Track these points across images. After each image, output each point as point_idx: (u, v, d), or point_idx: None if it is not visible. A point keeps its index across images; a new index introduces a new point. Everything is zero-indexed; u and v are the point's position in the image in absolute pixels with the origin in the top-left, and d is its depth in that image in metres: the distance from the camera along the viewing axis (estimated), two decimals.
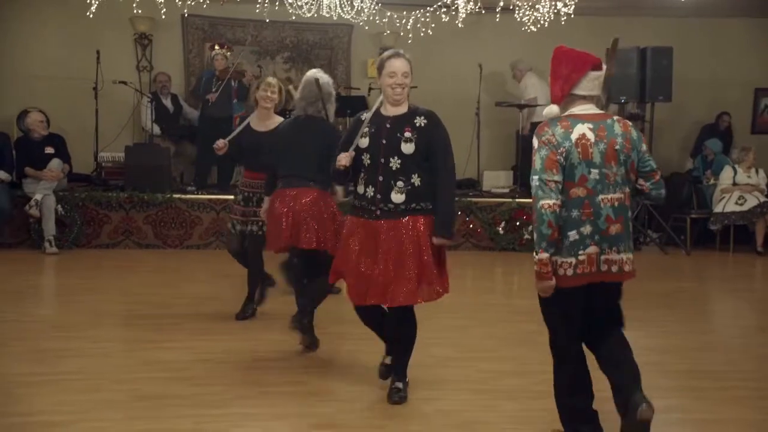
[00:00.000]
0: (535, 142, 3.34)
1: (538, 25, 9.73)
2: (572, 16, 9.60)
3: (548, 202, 3.29)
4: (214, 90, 9.44)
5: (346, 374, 4.54)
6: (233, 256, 5.90)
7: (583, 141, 3.28)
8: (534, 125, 9.92)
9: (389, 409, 4.00)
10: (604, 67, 3.42)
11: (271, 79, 5.69)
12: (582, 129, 3.30)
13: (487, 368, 4.75)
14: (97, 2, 8.94)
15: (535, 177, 3.31)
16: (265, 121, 5.58)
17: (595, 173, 3.29)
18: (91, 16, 8.99)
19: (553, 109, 3.39)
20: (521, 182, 9.86)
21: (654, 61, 9.56)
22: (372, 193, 3.96)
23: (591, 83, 3.35)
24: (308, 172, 4.82)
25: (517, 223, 9.38)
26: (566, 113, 3.37)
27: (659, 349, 5.37)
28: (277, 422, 3.83)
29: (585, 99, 3.37)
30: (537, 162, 3.31)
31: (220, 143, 5.46)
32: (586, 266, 3.42)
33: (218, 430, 3.69)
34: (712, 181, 10.30)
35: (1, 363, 4.60)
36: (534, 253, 3.46)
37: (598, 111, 3.39)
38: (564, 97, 3.35)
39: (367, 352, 4.65)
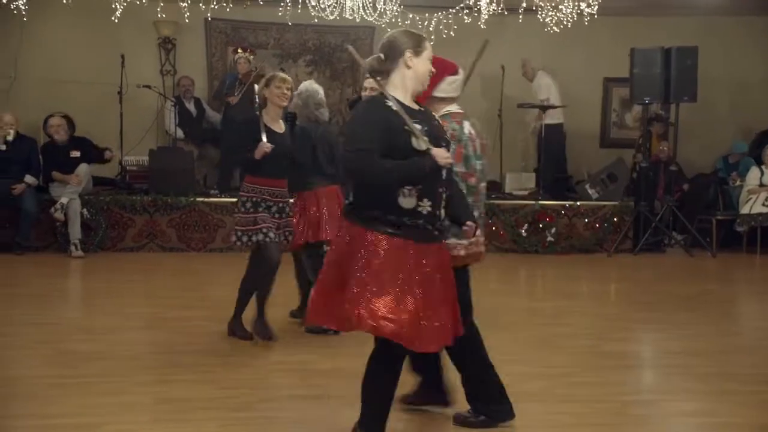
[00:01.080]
0: None
1: (561, 26, 9.69)
2: (596, 16, 9.53)
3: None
4: (236, 93, 9.47)
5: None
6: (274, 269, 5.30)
7: (472, 136, 3.66)
8: (548, 127, 9.88)
9: (411, 413, 3.99)
10: (461, 72, 3.74)
11: (284, 75, 5.31)
12: (467, 126, 3.67)
13: (511, 371, 4.69)
14: (121, 7, 9.03)
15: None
16: (279, 120, 5.29)
17: (479, 164, 3.69)
18: (115, 20, 9.08)
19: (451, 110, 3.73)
20: (543, 184, 9.82)
21: (678, 61, 9.46)
22: (429, 209, 3.17)
23: (449, 87, 3.69)
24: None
25: (540, 225, 9.33)
26: (446, 112, 3.67)
27: (685, 351, 5.32)
28: (301, 426, 3.83)
29: (445, 101, 3.70)
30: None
31: (267, 146, 5.00)
32: (473, 247, 3.70)
33: None
34: (738, 183, 10.19)
35: (28, 365, 4.66)
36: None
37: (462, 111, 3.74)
38: (426, 99, 3.52)
39: None
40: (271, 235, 5.08)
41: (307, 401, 4.15)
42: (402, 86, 3.23)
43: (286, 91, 5.16)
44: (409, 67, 3.21)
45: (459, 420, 3.84)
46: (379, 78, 3.27)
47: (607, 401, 4.23)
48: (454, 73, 3.72)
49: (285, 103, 5.24)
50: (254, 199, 5.12)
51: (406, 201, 3.11)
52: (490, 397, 3.81)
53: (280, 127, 5.26)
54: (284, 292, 5.70)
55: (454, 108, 3.72)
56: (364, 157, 3.06)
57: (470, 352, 3.78)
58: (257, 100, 5.24)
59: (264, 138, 5.01)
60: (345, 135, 3.24)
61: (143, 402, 4.05)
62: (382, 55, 3.24)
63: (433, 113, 3.45)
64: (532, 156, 10.70)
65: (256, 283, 5.20)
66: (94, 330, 5.53)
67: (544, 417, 4.00)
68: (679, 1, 10.51)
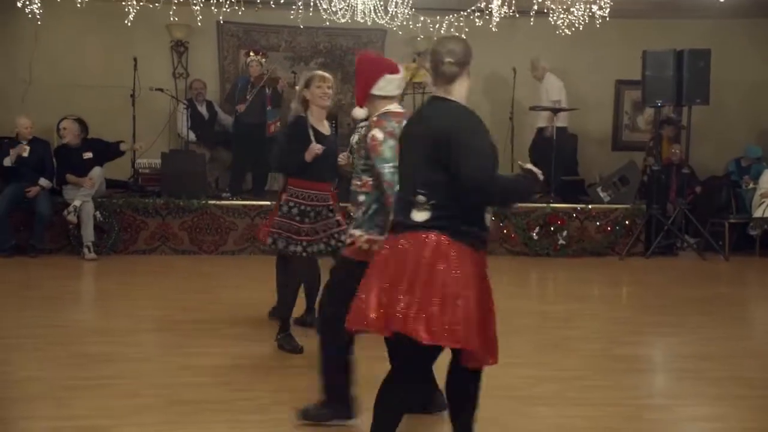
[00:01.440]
0: (380, 134, 3.58)
1: (573, 29, 9.67)
2: (607, 18, 9.51)
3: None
4: (248, 97, 9.50)
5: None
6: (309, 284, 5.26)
7: None
8: (559, 129, 9.85)
9: (424, 417, 3.99)
10: (402, 70, 3.83)
11: (324, 73, 5.03)
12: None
13: (523, 374, 4.72)
14: (134, 11, 9.09)
15: (388, 165, 3.51)
16: (323, 120, 5.11)
17: None
18: (128, 24, 9.13)
19: (358, 111, 3.85)
20: (554, 186, 9.80)
21: (691, 63, 9.42)
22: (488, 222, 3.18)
23: (388, 85, 3.71)
24: None
25: (552, 228, 9.31)
26: (385, 110, 3.69)
27: (697, 355, 5.30)
28: (313, 429, 3.84)
29: (384, 99, 3.72)
30: (387, 152, 3.54)
31: (319, 148, 4.90)
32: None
33: None
34: (751, 186, 10.14)
35: (43, 367, 4.68)
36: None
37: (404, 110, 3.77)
38: (365, 98, 3.69)
39: None
40: (310, 249, 4.98)
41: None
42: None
43: (327, 90, 4.93)
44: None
45: (302, 410, 3.81)
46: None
47: (620, 405, 4.23)
48: (394, 71, 3.75)
49: (327, 103, 5.00)
50: (301, 206, 5.00)
51: (488, 218, 3.10)
52: (336, 395, 3.76)
53: (325, 127, 5.12)
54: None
55: (393, 107, 3.73)
56: (491, 174, 2.95)
57: (336, 347, 3.72)
58: (294, 99, 5.13)
59: (312, 140, 4.93)
60: (467, 147, 2.92)
61: (155, 404, 4.07)
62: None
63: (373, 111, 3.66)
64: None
65: (293, 292, 5.12)
66: (106, 332, 5.56)
67: (555, 421, 4.00)
68: (692, 4, 10.47)
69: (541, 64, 10.22)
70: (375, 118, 3.67)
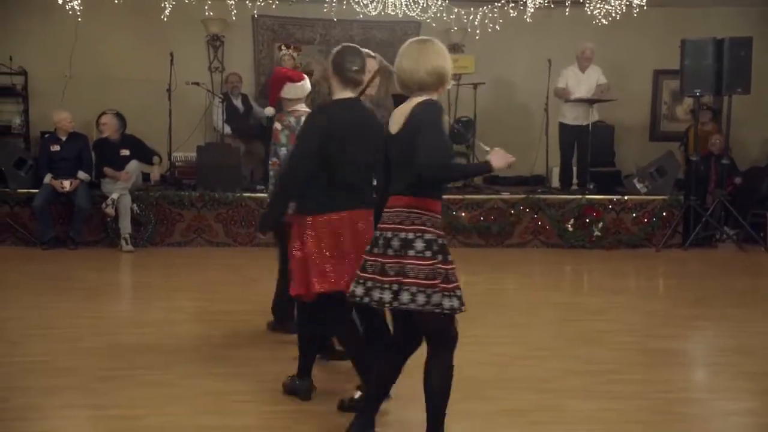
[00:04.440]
0: (279, 126, 4.84)
1: (610, 18, 9.54)
2: (645, 7, 9.37)
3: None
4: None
5: (408, 376, 4.54)
6: None
7: None
8: (598, 123, 9.70)
9: (450, 410, 3.99)
10: (306, 80, 4.96)
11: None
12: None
13: (553, 367, 4.69)
14: (170, 6, 9.18)
15: (283, 148, 4.71)
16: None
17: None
18: (165, 19, 9.23)
19: (270, 109, 5.41)
20: (590, 177, 9.70)
21: (731, 52, 9.21)
22: None
23: (291, 90, 4.88)
24: None
25: (587, 220, 9.22)
26: (292, 109, 4.88)
27: (734, 349, 5.22)
28: (340, 418, 3.86)
29: (292, 101, 4.90)
30: (283, 139, 4.78)
31: None
32: None
33: (282, 427, 3.75)
34: None
35: (79, 357, 4.77)
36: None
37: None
38: (276, 100, 4.99)
39: None
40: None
41: (345, 395, 4.18)
42: None
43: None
44: None
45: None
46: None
47: (651, 399, 4.18)
48: (296, 80, 4.89)
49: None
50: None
51: None
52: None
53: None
54: None
55: (299, 106, 4.87)
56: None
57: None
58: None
59: None
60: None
61: (185, 394, 4.14)
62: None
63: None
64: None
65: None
66: (142, 323, 5.65)
67: (586, 414, 3.97)
68: None
69: (587, 54, 9.81)
70: (278, 114, 4.95)
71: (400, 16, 9.33)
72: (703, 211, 9.30)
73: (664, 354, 5.09)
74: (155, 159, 9.25)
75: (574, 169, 9.98)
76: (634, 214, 9.34)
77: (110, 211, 8.58)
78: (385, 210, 3.33)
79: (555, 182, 10.22)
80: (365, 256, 3.35)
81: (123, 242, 8.58)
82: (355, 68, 3.77)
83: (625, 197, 9.43)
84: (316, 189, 3.75)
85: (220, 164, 9.24)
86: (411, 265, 3.18)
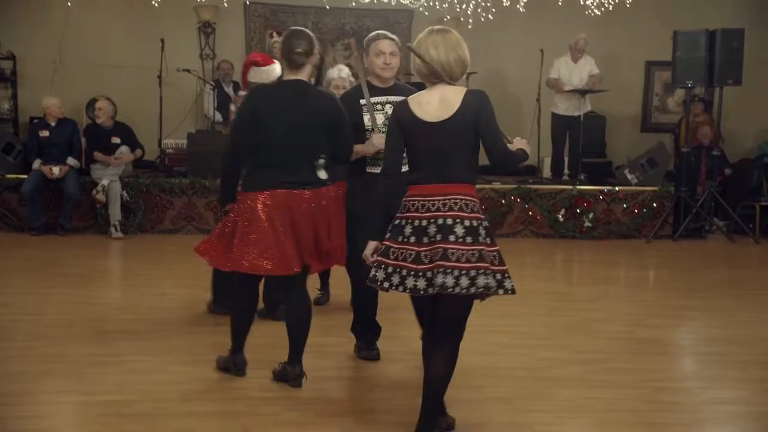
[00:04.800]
0: (232, 107, 4.93)
1: (602, 9, 9.54)
2: None
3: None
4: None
5: (396, 361, 4.55)
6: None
7: None
8: (590, 114, 9.69)
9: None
10: (276, 65, 4.77)
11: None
12: None
13: (545, 356, 4.70)
14: None
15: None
16: None
17: None
18: (156, 5, 9.17)
19: (242, 92, 5.33)
20: (581, 168, 9.71)
21: (724, 43, 9.21)
22: None
23: (257, 74, 4.83)
24: None
25: (578, 210, 9.23)
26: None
27: (724, 339, 5.24)
28: (328, 406, 3.86)
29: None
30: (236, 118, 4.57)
31: None
32: None
33: (272, 413, 3.74)
34: None
35: (69, 343, 4.75)
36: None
37: None
38: (246, 84, 5.04)
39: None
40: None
41: (335, 382, 4.18)
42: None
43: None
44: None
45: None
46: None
47: (640, 387, 4.20)
48: (262, 65, 4.86)
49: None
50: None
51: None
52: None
53: None
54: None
55: None
56: None
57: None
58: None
59: None
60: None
61: (175, 381, 4.12)
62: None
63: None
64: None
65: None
66: (131, 310, 5.63)
67: (575, 402, 3.98)
68: None
69: (580, 45, 9.79)
70: (235, 96, 5.46)
71: (393, 4, 9.30)
72: (694, 203, 9.33)
73: (654, 343, 5.11)
74: (137, 151, 9.16)
75: (566, 159, 9.99)
76: (624, 205, 9.36)
77: (101, 197, 8.54)
78: (417, 197, 3.26)
79: (546, 172, 10.23)
80: (391, 244, 3.26)
81: (113, 229, 8.54)
82: (298, 50, 3.93)
83: (616, 188, 9.44)
84: (247, 168, 4.01)
85: (210, 151, 9.17)
86: (453, 250, 3.13)
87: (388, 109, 4.25)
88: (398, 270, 3.23)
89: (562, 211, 9.23)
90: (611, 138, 11.16)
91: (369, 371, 4.40)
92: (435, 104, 3.28)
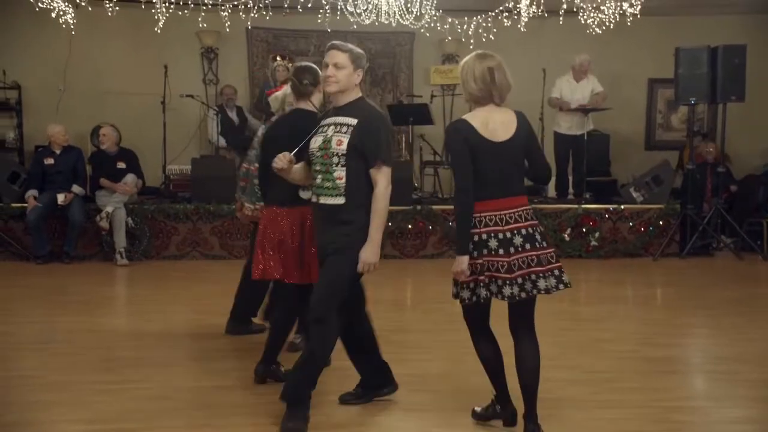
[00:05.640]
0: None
1: (603, 27, 9.57)
2: (638, 16, 9.41)
3: None
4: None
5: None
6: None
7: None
8: (593, 132, 9.68)
9: (449, 420, 3.96)
10: (280, 92, 5.03)
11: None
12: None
13: (551, 376, 4.63)
14: (164, 18, 9.19)
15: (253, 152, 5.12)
16: None
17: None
18: (158, 31, 9.24)
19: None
20: (586, 187, 9.69)
21: (726, 60, 9.23)
22: None
23: (271, 102, 5.14)
24: None
25: (584, 230, 9.21)
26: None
27: (732, 357, 5.19)
28: (335, 431, 3.83)
29: (276, 111, 5.12)
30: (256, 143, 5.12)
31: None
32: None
33: None
34: None
35: (74, 370, 4.73)
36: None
37: None
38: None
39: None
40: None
41: (341, 407, 4.14)
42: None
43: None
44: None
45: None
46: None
47: (649, 407, 4.15)
48: (275, 93, 5.11)
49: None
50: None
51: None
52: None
53: None
54: None
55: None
56: None
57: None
58: None
59: None
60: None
61: (180, 407, 4.10)
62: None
63: None
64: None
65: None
66: (137, 337, 5.61)
67: (583, 423, 3.94)
68: None
69: (585, 65, 9.80)
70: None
71: (394, 25, 9.34)
72: (700, 220, 9.29)
73: (662, 362, 5.06)
74: (138, 182, 9.16)
75: (570, 178, 9.97)
76: (630, 223, 9.33)
77: (104, 224, 8.55)
78: (491, 212, 3.56)
79: (551, 192, 10.22)
80: (475, 261, 3.54)
81: (118, 256, 8.55)
82: (305, 82, 4.34)
83: (622, 206, 9.42)
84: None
85: (215, 177, 9.22)
86: (538, 255, 3.56)
87: (331, 132, 3.79)
88: (494, 280, 3.54)
89: (568, 230, 9.20)
90: (615, 156, 11.15)
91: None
92: (500, 125, 3.61)
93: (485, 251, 3.52)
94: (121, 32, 10.49)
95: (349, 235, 3.71)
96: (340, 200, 3.74)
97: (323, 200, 3.80)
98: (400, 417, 4.05)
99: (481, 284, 3.56)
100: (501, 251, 3.51)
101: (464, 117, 3.63)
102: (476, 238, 3.53)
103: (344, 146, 3.72)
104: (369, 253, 3.71)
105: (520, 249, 3.52)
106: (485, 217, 3.54)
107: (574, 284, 8.18)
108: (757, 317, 6.37)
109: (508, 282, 3.50)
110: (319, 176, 3.80)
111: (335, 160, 3.74)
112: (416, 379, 4.49)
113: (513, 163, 3.61)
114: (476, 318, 3.78)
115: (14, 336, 5.59)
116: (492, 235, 3.52)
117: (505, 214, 3.55)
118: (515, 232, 3.53)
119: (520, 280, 3.52)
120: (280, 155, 3.82)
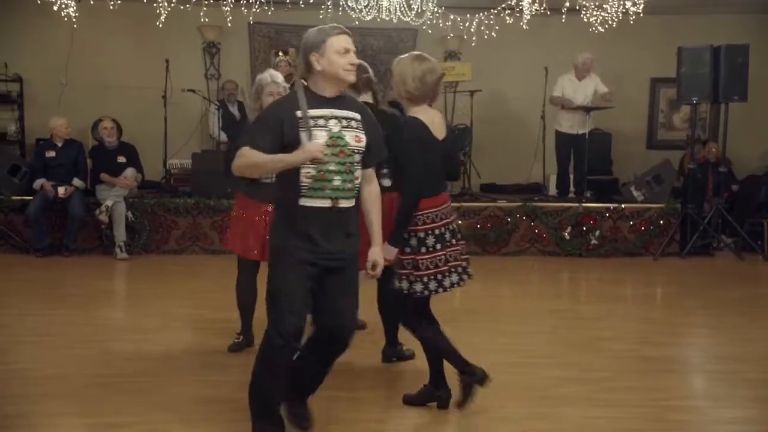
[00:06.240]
0: None
1: (606, 26, 9.54)
2: (641, 15, 9.38)
3: None
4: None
5: (394, 378, 4.50)
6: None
7: None
8: (595, 131, 9.64)
9: (446, 416, 3.94)
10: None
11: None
12: None
13: (550, 374, 4.65)
14: (166, 12, 9.17)
15: None
16: None
17: None
18: (160, 25, 9.22)
19: None
20: (587, 186, 9.66)
21: (728, 59, 9.19)
22: None
23: None
24: None
25: (584, 228, 9.18)
26: None
27: (732, 357, 5.17)
28: (334, 426, 3.82)
29: None
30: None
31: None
32: None
33: None
34: None
35: (71, 364, 4.72)
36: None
37: None
38: None
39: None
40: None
41: (333, 401, 4.13)
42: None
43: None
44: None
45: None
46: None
47: (646, 406, 4.14)
48: None
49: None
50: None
51: None
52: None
53: None
54: None
55: None
56: None
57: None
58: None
59: None
60: None
61: (175, 402, 4.09)
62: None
63: None
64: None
65: None
66: (135, 330, 5.61)
67: (580, 421, 3.92)
68: None
69: (588, 62, 9.70)
70: None
71: (395, 21, 9.32)
72: (701, 220, 9.27)
73: (661, 362, 5.05)
74: (138, 176, 9.15)
75: (571, 176, 9.95)
76: (631, 222, 9.31)
77: (104, 218, 8.54)
78: (445, 206, 3.91)
79: (552, 190, 10.20)
80: (448, 251, 3.86)
81: (117, 250, 8.53)
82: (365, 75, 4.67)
83: (623, 205, 9.39)
84: None
85: (215, 171, 9.16)
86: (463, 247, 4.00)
87: (333, 125, 3.34)
88: (455, 269, 3.90)
89: (569, 229, 9.18)
90: (617, 155, 11.13)
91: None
92: (438, 124, 3.84)
93: (447, 243, 3.87)
94: (123, 26, 10.47)
95: (355, 242, 3.45)
96: (353, 203, 3.40)
97: (344, 203, 3.35)
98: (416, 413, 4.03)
99: (446, 274, 3.86)
100: (453, 241, 3.91)
101: (414, 115, 3.81)
102: (437, 231, 3.84)
103: (363, 143, 3.37)
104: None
105: (452, 242, 3.92)
106: (433, 213, 3.85)
107: (574, 283, 8.29)
108: (757, 317, 6.35)
109: (460, 269, 3.96)
110: (337, 177, 3.30)
111: (356, 158, 3.36)
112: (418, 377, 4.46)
113: (443, 161, 3.91)
114: (424, 305, 3.99)
115: (10, 328, 5.57)
116: (446, 227, 3.88)
117: (444, 209, 3.91)
118: (448, 226, 3.90)
119: (459, 269, 3.94)
120: (318, 145, 3.23)
